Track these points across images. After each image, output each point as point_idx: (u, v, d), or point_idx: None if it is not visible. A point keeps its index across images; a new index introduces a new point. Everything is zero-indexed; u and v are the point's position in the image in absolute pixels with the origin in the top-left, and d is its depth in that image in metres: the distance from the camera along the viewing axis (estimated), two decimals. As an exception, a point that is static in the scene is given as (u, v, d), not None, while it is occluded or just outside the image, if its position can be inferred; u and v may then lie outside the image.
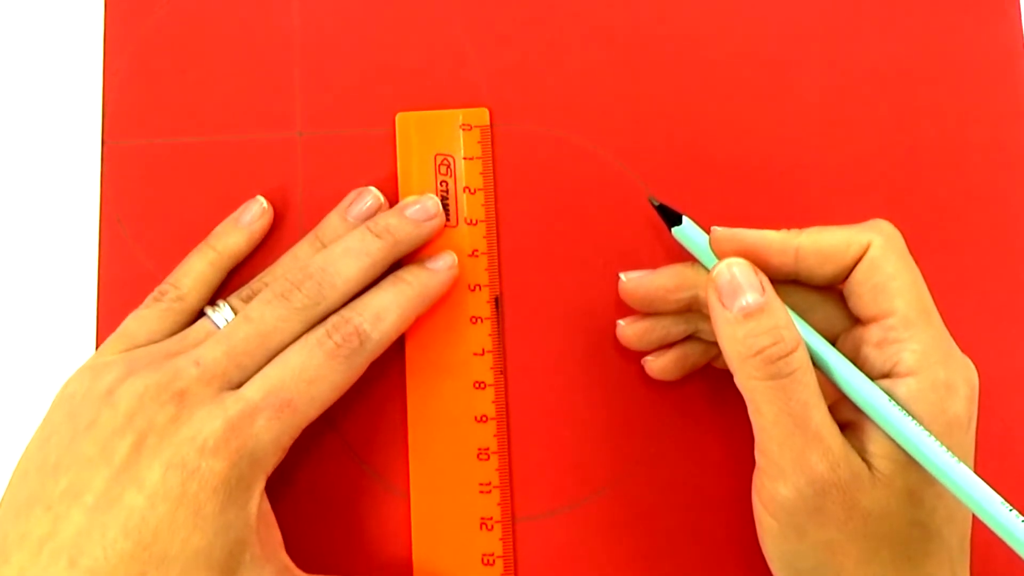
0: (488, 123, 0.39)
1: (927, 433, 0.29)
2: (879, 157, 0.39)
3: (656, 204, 0.34)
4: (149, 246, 0.39)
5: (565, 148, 0.39)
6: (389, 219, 0.36)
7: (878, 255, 0.31)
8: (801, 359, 0.30)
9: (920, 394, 0.30)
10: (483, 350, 0.37)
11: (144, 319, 0.36)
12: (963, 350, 0.31)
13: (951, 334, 0.31)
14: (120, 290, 0.39)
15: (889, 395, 0.30)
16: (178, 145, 0.40)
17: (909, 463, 0.30)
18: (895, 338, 0.31)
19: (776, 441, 0.30)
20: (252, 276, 0.37)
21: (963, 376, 0.31)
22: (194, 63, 0.40)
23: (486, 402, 0.37)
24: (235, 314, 0.35)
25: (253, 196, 0.38)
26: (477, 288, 0.37)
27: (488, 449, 0.36)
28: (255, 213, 0.38)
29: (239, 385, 0.32)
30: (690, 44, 0.40)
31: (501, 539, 0.36)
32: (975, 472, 0.29)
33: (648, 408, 0.37)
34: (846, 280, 0.32)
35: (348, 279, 0.34)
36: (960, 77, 0.39)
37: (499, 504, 0.36)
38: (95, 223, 0.39)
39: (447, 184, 0.38)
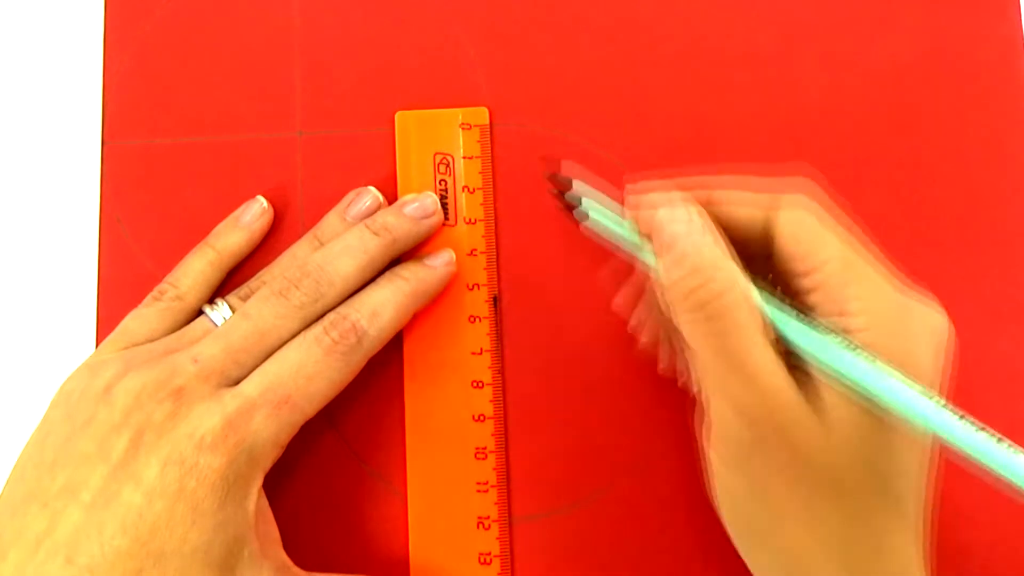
0: (487, 122, 0.39)
1: (869, 358, 0.28)
2: (879, 157, 0.39)
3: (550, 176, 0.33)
4: (149, 246, 0.39)
5: (565, 148, 0.39)
6: (387, 217, 0.36)
7: (795, 222, 0.30)
8: (734, 299, 0.29)
9: (871, 339, 0.29)
10: (481, 349, 0.37)
11: (143, 318, 0.36)
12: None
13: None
14: (120, 290, 0.39)
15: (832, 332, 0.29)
16: (178, 145, 0.40)
17: (861, 414, 0.29)
18: (836, 299, 0.29)
19: (714, 383, 0.30)
20: (252, 276, 0.37)
21: (922, 324, 0.30)
22: (194, 63, 0.40)
23: (484, 401, 0.37)
24: (233, 312, 0.35)
25: (253, 196, 0.39)
26: (475, 287, 0.37)
27: (486, 448, 0.36)
28: (255, 213, 0.38)
29: (237, 382, 0.32)
30: (690, 44, 0.40)
31: (498, 538, 0.36)
32: None
33: (646, 408, 0.37)
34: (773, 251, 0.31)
35: (346, 277, 0.34)
36: (960, 77, 0.39)
37: (496, 503, 0.36)
38: (95, 223, 0.39)
39: (446, 183, 0.38)
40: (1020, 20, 0.39)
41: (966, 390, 0.37)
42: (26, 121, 0.41)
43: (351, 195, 0.38)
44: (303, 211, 0.39)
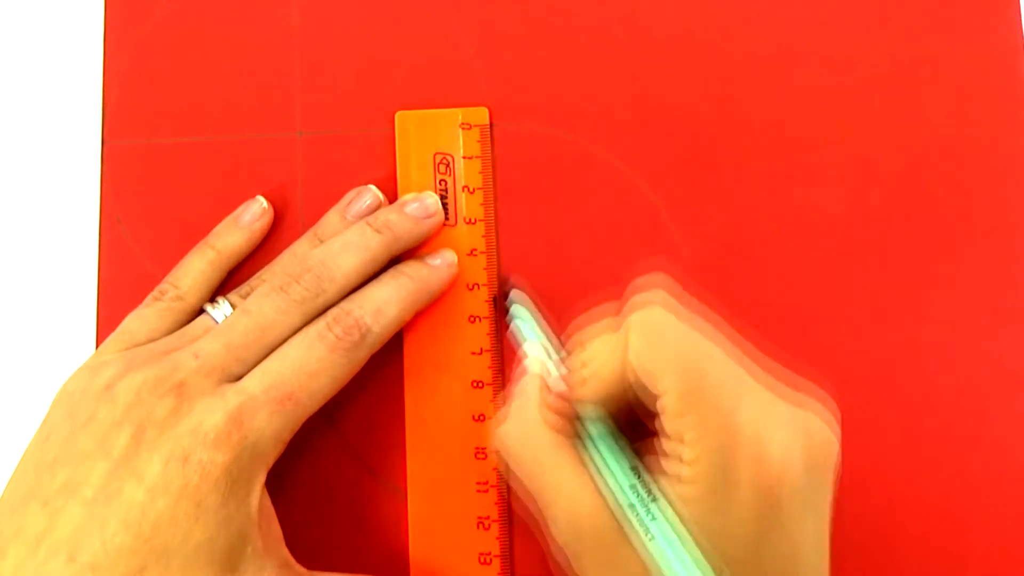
0: (487, 122, 0.39)
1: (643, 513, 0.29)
2: (879, 157, 0.39)
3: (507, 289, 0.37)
4: (149, 246, 0.39)
5: (565, 148, 0.39)
6: (389, 215, 0.36)
7: (633, 361, 0.29)
8: (525, 438, 0.32)
9: (694, 503, 0.28)
10: (481, 349, 0.37)
11: (144, 318, 0.36)
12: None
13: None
14: (120, 290, 0.39)
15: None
16: (178, 145, 0.40)
17: None
18: (674, 433, 0.28)
19: (535, 506, 0.31)
20: (252, 276, 0.37)
21: (757, 452, 0.28)
22: (194, 63, 0.40)
23: (484, 401, 0.37)
24: (234, 310, 0.35)
25: (253, 196, 0.38)
26: (476, 287, 0.37)
27: (486, 448, 0.36)
28: (255, 213, 0.38)
29: (239, 379, 0.32)
30: (690, 44, 0.40)
31: (498, 538, 0.36)
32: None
33: (648, 407, 0.37)
34: None
35: (347, 273, 0.34)
36: (960, 77, 0.39)
37: (496, 503, 0.36)
38: (95, 223, 0.39)
39: (446, 183, 0.38)
40: (1020, 20, 0.39)
41: (966, 390, 0.37)
42: (26, 121, 0.40)
43: (351, 194, 0.38)
44: (303, 211, 0.39)
